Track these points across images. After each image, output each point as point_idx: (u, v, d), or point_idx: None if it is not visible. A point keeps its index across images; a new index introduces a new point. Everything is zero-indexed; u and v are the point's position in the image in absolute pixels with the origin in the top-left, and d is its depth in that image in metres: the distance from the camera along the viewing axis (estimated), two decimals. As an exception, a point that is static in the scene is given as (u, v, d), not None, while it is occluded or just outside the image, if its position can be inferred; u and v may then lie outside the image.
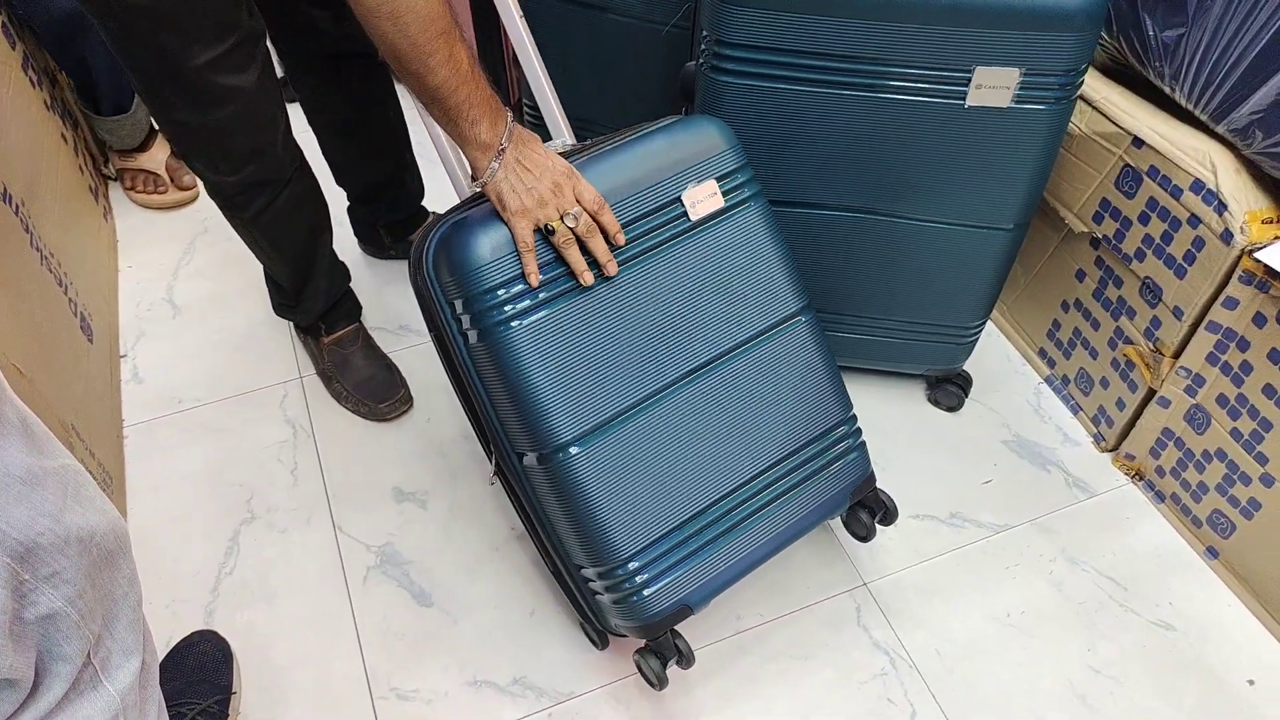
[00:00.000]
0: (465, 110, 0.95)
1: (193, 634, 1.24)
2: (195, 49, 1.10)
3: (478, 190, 1.06)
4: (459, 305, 1.02)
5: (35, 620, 0.64)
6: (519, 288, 1.00)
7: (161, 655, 1.20)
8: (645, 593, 1.08)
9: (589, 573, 1.11)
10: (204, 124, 1.18)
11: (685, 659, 1.12)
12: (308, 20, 1.34)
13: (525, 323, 1.00)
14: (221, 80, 1.14)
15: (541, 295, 1.01)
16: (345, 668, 1.26)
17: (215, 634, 1.24)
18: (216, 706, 1.15)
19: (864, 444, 1.22)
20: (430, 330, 1.11)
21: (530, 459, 1.07)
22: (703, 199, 1.09)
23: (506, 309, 1.00)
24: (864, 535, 1.26)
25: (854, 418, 1.21)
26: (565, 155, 1.10)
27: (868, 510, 1.24)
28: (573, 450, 1.04)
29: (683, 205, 1.08)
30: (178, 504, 1.44)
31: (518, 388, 1.02)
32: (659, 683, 1.12)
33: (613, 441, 1.06)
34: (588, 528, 1.06)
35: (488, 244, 0.99)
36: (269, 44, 1.24)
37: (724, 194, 1.11)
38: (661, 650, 1.12)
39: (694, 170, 1.09)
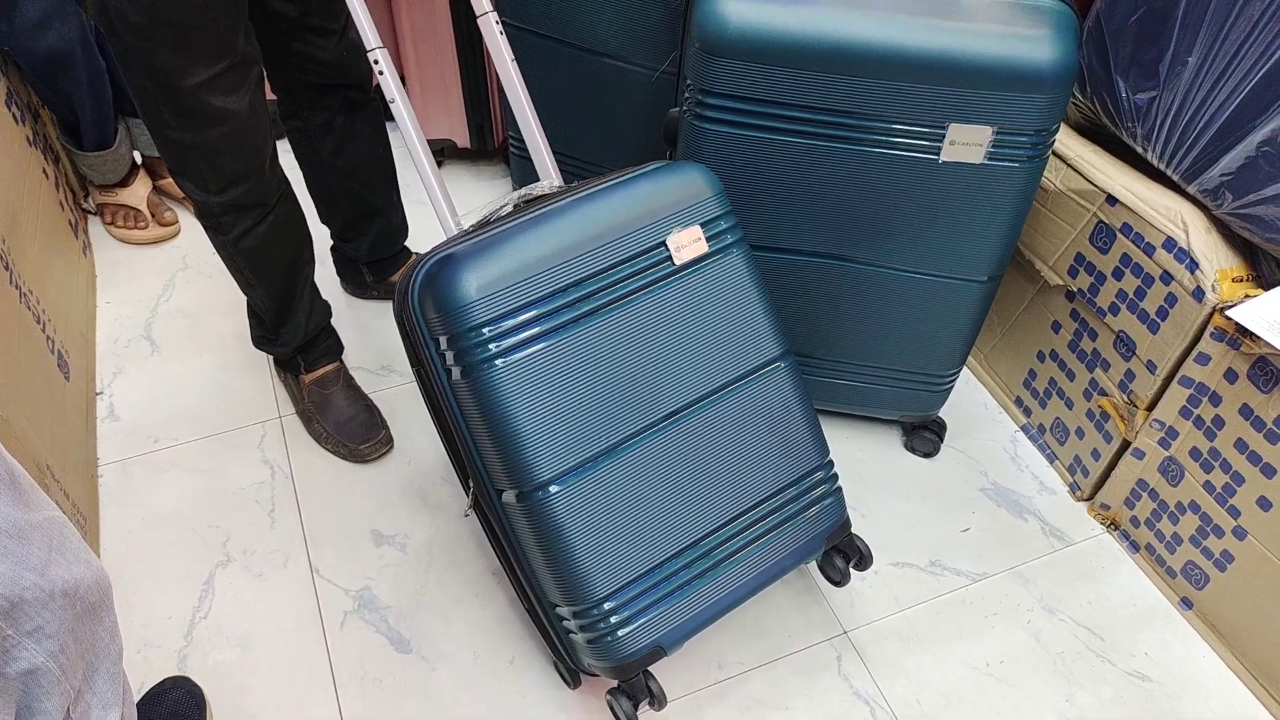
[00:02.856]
0: None
1: (165, 680, 1.21)
2: (190, 70, 1.13)
3: (465, 229, 1.07)
4: (443, 342, 1.02)
5: (16, 676, 0.63)
6: (505, 325, 1.01)
7: (133, 703, 1.17)
8: (619, 633, 1.09)
9: (563, 611, 1.11)
10: (196, 143, 1.21)
11: (657, 700, 1.12)
12: (305, 48, 1.35)
13: (509, 361, 1.01)
14: (214, 101, 1.17)
15: (526, 334, 1.02)
16: (321, 714, 1.24)
17: (188, 680, 1.22)
18: (189, 755, 1.13)
19: (840, 489, 1.24)
20: (413, 364, 1.12)
21: (509, 496, 1.07)
22: (687, 244, 1.11)
23: (491, 347, 1.01)
24: (838, 580, 1.27)
25: (830, 463, 1.23)
26: (551, 196, 1.11)
27: (842, 556, 1.25)
28: (552, 489, 1.04)
29: (667, 250, 1.10)
30: (152, 545, 1.41)
31: (499, 426, 1.03)
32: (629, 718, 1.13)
33: (592, 481, 1.07)
34: (564, 566, 1.07)
35: (474, 282, 1.00)
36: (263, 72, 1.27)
37: (708, 239, 1.12)
38: (634, 691, 1.12)
39: (679, 216, 1.11)
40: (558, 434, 1.04)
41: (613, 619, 1.08)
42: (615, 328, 1.07)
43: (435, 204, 1.17)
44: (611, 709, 1.15)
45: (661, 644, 1.11)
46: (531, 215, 1.07)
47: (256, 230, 1.34)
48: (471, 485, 1.14)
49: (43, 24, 1.59)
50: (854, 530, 1.24)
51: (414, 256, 1.13)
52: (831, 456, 1.23)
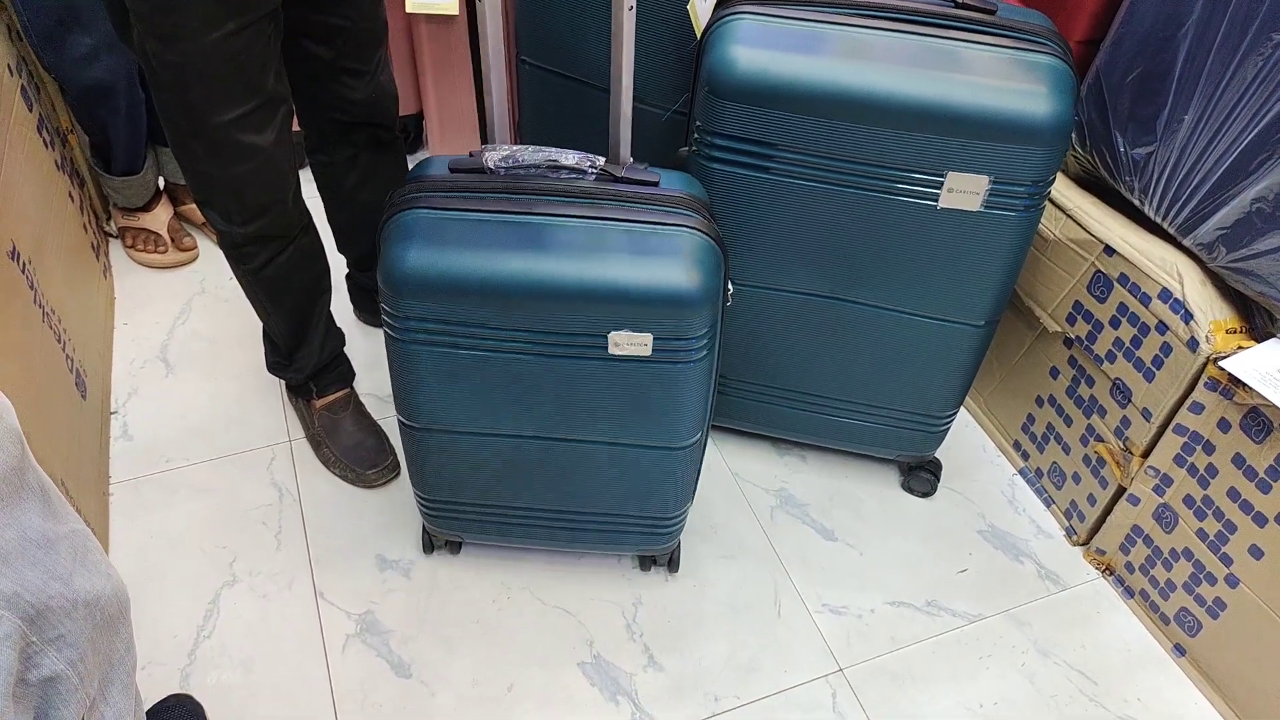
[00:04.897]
0: None
1: (168, 697, 1.23)
2: (221, 108, 1.17)
3: (488, 157, 1.10)
4: (387, 300, 1.11)
5: (37, 683, 0.65)
6: (431, 325, 1.10)
7: (137, 718, 1.19)
8: (441, 519, 1.38)
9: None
10: (223, 176, 1.24)
11: (451, 548, 1.47)
12: (338, 89, 1.39)
13: (425, 347, 1.13)
14: (243, 138, 1.20)
15: (447, 338, 1.11)
16: (320, 737, 1.25)
17: (190, 698, 1.24)
18: (189, 772, 1.14)
19: (678, 530, 1.37)
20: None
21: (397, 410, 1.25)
22: (628, 345, 1.10)
23: (420, 334, 1.12)
24: (644, 565, 1.47)
25: (682, 514, 1.35)
26: (573, 182, 1.10)
27: (654, 559, 1.47)
28: (423, 432, 1.24)
29: (606, 340, 1.10)
30: (160, 563, 1.44)
31: (400, 377, 1.19)
32: (426, 550, 1.46)
33: (458, 442, 1.24)
34: (416, 469, 1.31)
35: (421, 275, 1.06)
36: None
37: (659, 349, 1.10)
38: (438, 539, 1.45)
39: (637, 320, 1.08)
40: (444, 406, 1.20)
41: (437, 509, 1.37)
42: (527, 369, 1.14)
43: (491, 109, 1.16)
44: (422, 536, 1.47)
45: (465, 539, 1.44)
46: (524, 220, 1.07)
47: (277, 260, 1.38)
48: None
49: (91, 56, 1.64)
50: (844, 564, 1.26)
51: (413, 169, 1.13)
52: (687, 508, 1.35)
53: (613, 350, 1.11)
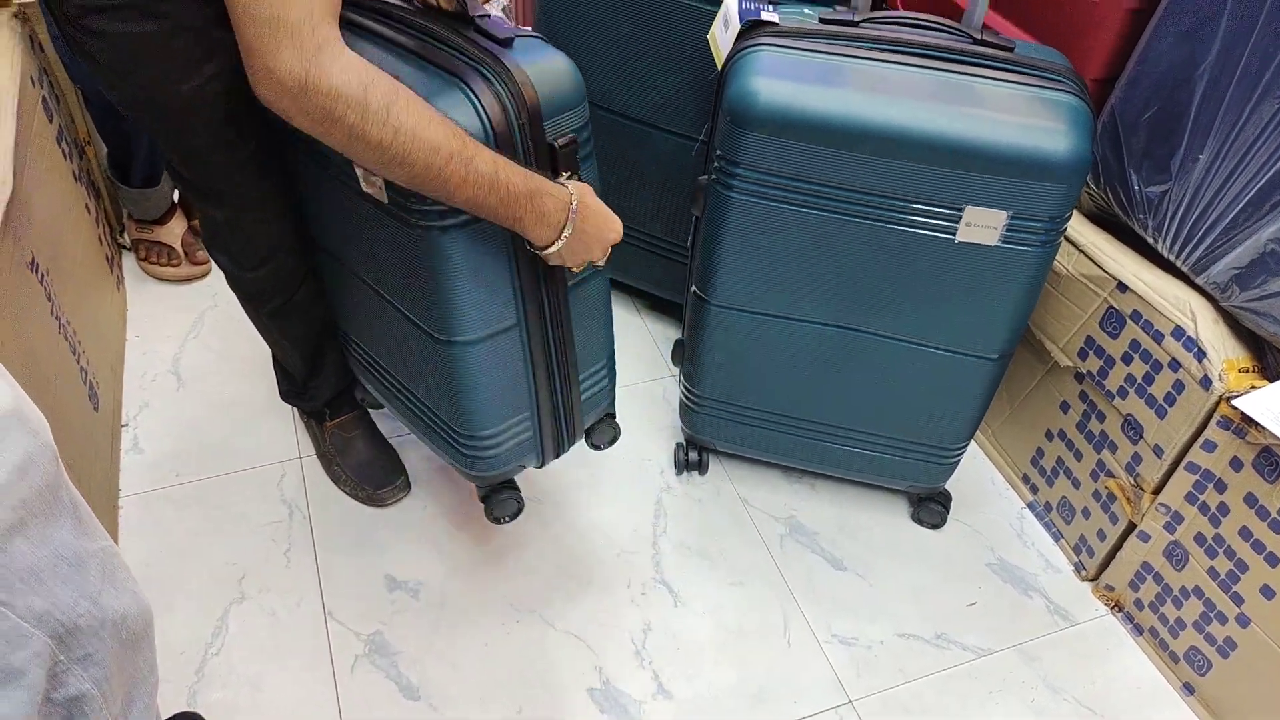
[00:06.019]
0: (500, 215, 1.01)
1: (175, 715, 1.22)
2: (221, 150, 1.15)
3: None
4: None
5: (63, 701, 0.65)
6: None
7: (144, 736, 1.18)
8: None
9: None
10: (229, 220, 1.24)
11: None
12: None
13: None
14: (247, 180, 1.20)
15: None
16: (327, 758, 1.25)
17: (198, 716, 1.23)
18: (195, 792, 1.13)
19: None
20: None
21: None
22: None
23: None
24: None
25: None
26: None
27: None
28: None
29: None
30: (169, 579, 1.43)
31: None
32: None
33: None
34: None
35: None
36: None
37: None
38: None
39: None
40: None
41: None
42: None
43: None
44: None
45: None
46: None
47: (291, 302, 1.38)
48: None
49: None
50: (853, 594, 1.25)
51: None
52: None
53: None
